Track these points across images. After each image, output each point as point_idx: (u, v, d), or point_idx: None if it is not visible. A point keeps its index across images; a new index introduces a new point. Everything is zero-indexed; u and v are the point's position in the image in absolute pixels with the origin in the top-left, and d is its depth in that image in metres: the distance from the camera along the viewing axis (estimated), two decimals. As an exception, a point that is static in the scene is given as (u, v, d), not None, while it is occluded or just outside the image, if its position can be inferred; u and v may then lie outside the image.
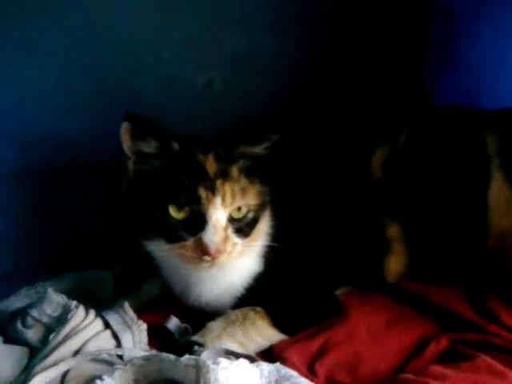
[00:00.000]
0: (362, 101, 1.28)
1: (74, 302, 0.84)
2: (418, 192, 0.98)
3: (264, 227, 0.90)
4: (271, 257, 0.91)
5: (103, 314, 0.85)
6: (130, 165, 0.86)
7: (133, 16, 1.07)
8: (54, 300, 0.85)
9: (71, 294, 0.88)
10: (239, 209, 0.84)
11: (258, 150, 0.86)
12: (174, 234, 0.82)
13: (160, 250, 0.85)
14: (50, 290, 0.87)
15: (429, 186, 0.98)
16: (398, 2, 1.28)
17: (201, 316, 0.89)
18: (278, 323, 0.88)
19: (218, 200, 0.80)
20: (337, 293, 0.97)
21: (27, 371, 0.75)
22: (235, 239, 0.83)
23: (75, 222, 1.11)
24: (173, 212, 0.81)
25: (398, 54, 1.32)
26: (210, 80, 1.17)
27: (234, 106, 1.19)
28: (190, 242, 0.81)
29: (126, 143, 0.83)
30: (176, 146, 0.84)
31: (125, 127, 0.81)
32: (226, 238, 0.81)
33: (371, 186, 0.99)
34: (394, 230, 0.98)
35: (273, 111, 1.19)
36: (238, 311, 0.88)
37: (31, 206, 1.09)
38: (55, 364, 0.74)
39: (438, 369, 0.78)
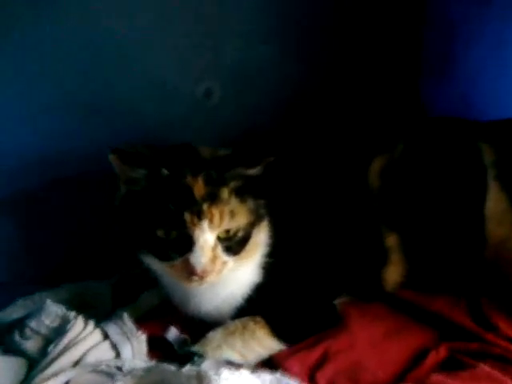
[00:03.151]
0: (359, 111, 1.29)
1: (73, 313, 0.84)
2: (415, 202, 0.98)
3: (260, 240, 0.90)
4: (270, 267, 0.90)
5: (102, 324, 0.85)
6: (122, 183, 0.86)
7: (132, 24, 1.06)
8: (53, 311, 0.85)
9: (69, 305, 0.87)
10: (228, 230, 0.83)
11: (252, 172, 0.85)
12: (163, 253, 0.82)
13: (153, 264, 0.86)
14: (48, 301, 0.87)
15: (426, 197, 0.98)
16: (393, 12, 1.30)
17: (200, 326, 0.89)
18: (278, 333, 0.87)
19: (204, 223, 0.79)
20: (336, 302, 0.97)
21: (26, 383, 0.74)
22: (224, 258, 0.82)
23: (72, 231, 1.11)
24: (161, 234, 0.81)
25: (394, 65, 1.33)
26: (209, 90, 1.17)
27: (232, 117, 1.19)
28: (178, 262, 0.81)
29: (116, 167, 0.83)
30: (165, 171, 0.82)
31: (112, 158, 0.81)
32: (214, 258, 0.81)
33: (369, 196, 1.00)
34: (391, 240, 0.98)
35: (271, 122, 1.19)
36: (237, 321, 0.88)
37: (28, 216, 1.08)
38: (54, 375, 0.74)
39: (438, 378, 0.78)
